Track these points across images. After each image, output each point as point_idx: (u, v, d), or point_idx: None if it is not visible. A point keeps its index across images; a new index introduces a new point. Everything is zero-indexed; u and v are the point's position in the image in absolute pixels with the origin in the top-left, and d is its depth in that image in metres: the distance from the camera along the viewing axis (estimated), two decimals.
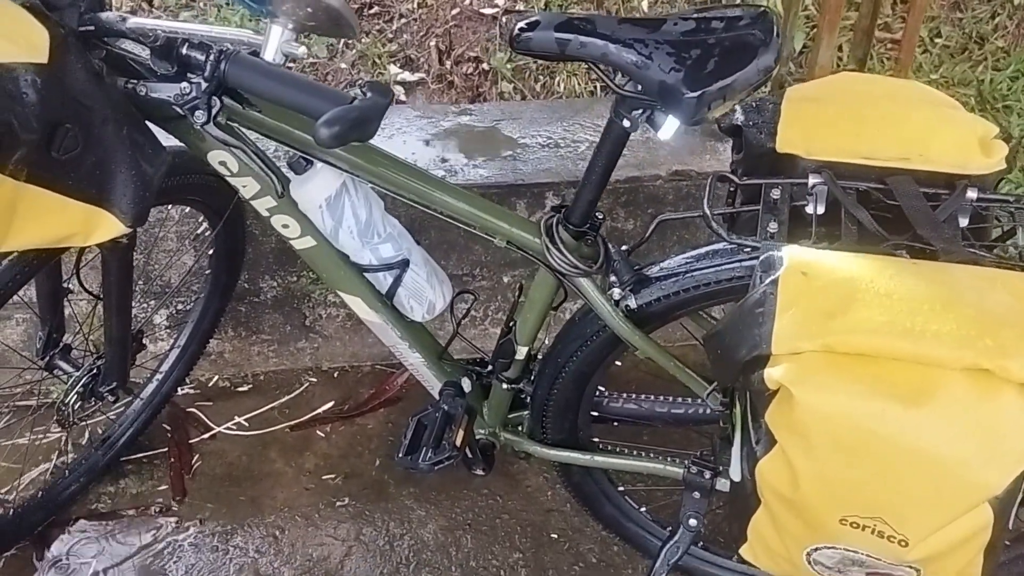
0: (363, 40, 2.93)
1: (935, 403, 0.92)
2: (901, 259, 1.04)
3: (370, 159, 1.21)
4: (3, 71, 0.90)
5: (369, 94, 0.96)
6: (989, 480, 0.93)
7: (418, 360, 1.42)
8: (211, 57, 0.96)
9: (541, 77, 2.90)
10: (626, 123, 1.10)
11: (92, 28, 1.01)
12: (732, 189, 1.28)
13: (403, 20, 3.01)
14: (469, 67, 2.92)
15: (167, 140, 1.22)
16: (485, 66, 2.91)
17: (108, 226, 1.10)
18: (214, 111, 0.97)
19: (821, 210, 1.15)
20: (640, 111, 1.09)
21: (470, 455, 1.44)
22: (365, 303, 1.35)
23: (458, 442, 1.29)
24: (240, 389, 2.08)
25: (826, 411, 0.93)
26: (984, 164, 1.13)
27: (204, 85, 0.97)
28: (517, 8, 3.02)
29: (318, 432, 1.98)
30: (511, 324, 1.38)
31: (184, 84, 0.98)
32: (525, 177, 2.01)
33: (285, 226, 1.28)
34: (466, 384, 1.47)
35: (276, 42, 0.88)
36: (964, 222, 1.14)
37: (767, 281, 1.01)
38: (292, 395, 2.06)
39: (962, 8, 2.93)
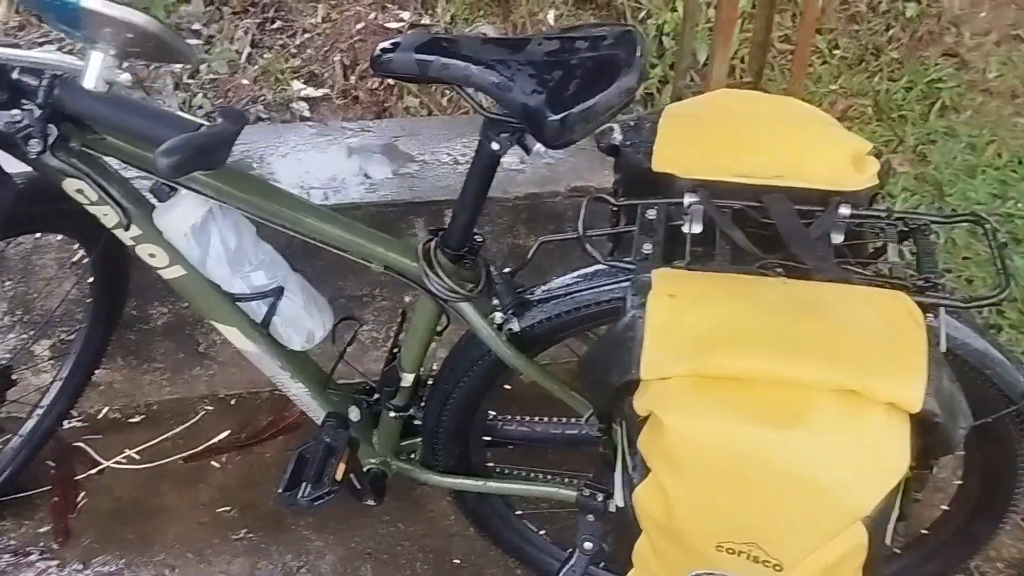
0: (265, 55, 2.87)
1: (804, 425, 0.91)
2: (772, 279, 1.04)
3: (237, 185, 1.16)
4: None
5: (219, 120, 0.91)
6: (859, 501, 0.92)
7: (301, 390, 1.37)
8: (43, 83, 0.90)
9: (447, 92, 2.87)
10: (495, 146, 1.08)
11: None
12: (615, 209, 1.26)
13: (306, 35, 2.95)
14: (374, 82, 2.88)
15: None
16: (391, 81, 2.87)
17: None
18: (50, 139, 0.91)
19: (698, 229, 1.14)
20: (508, 134, 1.07)
21: (359, 486, 1.39)
22: (241, 333, 1.29)
23: (339, 476, 1.24)
24: (132, 420, 2.00)
25: (696, 437, 0.92)
26: (856, 180, 1.14)
27: (37, 112, 0.91)
28: (422, 22, 2.99)
29: (213, 463, 1.91)
30: (395, 351, 1.34)
31: (15, 112, 0.92)
32: (423, 195, 1.98)
33: (152, 255, 1.22)
34: (354, 413, 1.42)
35: (96, 69, 0.83)
36: (838, 239, 1.14)
37: (636, 305, 0.99)
38: (186, 425, 1.98)
39: (858, 21, 3.00)
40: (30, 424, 1.78)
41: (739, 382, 0.93)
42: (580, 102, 0.98)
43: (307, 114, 2.82)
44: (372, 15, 2.99)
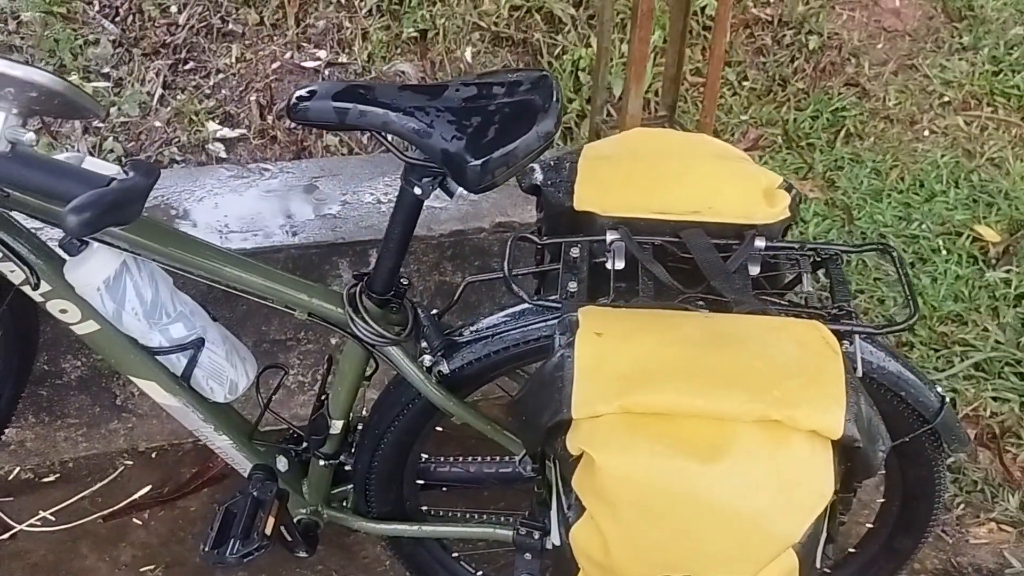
0: (179, 96, 2.82)
1: (730, 457, 0.93)
2: (694, 313, 1.06)
3: (152, 236, 1.13)
4: None
5: (131, 174, 0.89)
6: (787, 529, 0.94)
7: (226, 443, 1.34)
8: None
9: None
10: (417, 190, 1.08)
11: None
12: (539, 248, 1.28)
13: (220, 75, 2.91)
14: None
15: None
16: None
17: None
18: None
19: (620, 266, 1.16)
20: (430, 178, 1.07)
21: (289, 538, 1.36)
22: (160, 387, 1.25)
23: (268, 530, 1.21)
24: (46, 480, 1.91)
25: (627, 474, 0.93)
26: (769, 213, 1.17)
27: None
28: (340, 61, 2.99)
29: (135, 520, 1.84)
30: (323, 398, 1.32)
31: None
32: (346, 235, 1.96)
33: (63, 311, 1.18)
34: (282, 463, 1.39)
35: None
36: (755, 271, 1.17)
37: (564, 344, 1.00)
38: (105, 482, 1.90)
39: (764, 53, 3.11)
40: None
41: (666, 417, 0.94)
42: (500, 147, 0.99)
43: (224, 155, 2.78)
44: (288, 54, 2.97)
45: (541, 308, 1.15)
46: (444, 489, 1.47)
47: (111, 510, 1.84)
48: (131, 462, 1.95)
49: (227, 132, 2.80)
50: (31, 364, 1.72)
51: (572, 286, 1.12)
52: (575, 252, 1.17)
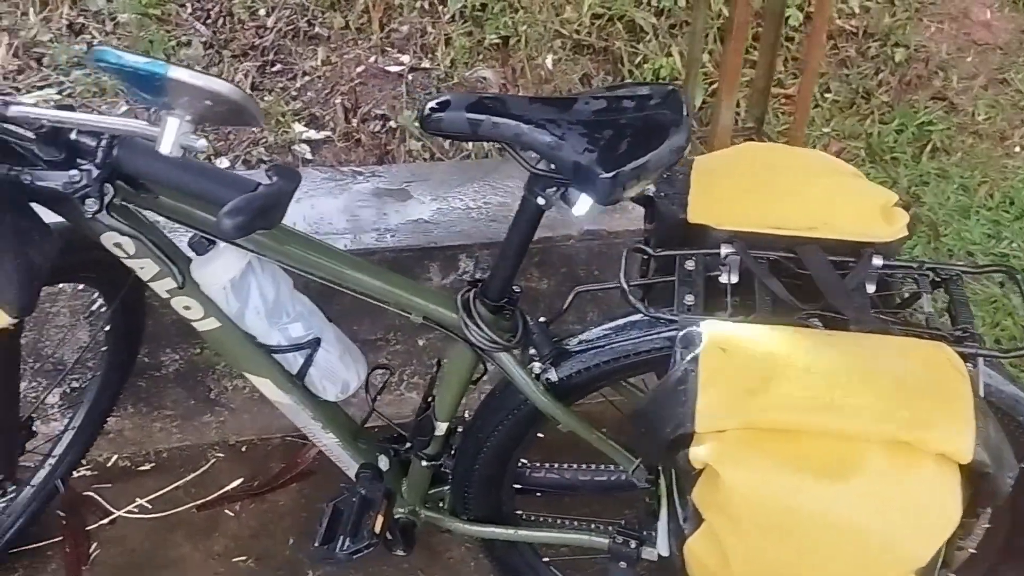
0: (266, 98, 2.88)
1: (857, 477, 0.92)
2: (816, 331, 1.06)
3: (276, 237, 1.17)
4: None
5: (275, 179, 0.92)
6: (914, 553, 0.94)
7: (332, 441, 1.37)
8: (103, 143, 0.90)
9: None
10: (540, 201, 1.09)
11: None
12: (645, 259, 1.28)
13: (307, 78, 2.96)
14: (376, 125, 2.90)
15: (56, 216, 1.14)
16: (392, 124, 2.89)
17: None
18: (107, 199, 0.91)
19: (735, 280, 1.17)
20: (554, 189, 1.08)
21: (389, 537, 1.38)
22: (274, 384, 1.29)
23: (377, 528, 1.24)
24: (142, 468, 1.97)
25: (752, 490, 0.93)
26: (887, 231, 1.17)
27: (95, 172, 0.91)
28: (422, 66, 3.02)
29: (227, 511, 1.88)
30: (429, 400, 1.34)
31: (74, 172, 0.92)
32: (437, 240, 1.99)
33: (187, 308, 1.22)
34: (383, 462, 1.42)
35: (173, 135, 0.83)
36: (871, 289, 1.17)
37: (687, 358, 1.00)
38: (198, 472, 1.96)
39: (848, 65, 3.07)
40: (42, 474, 1.75)
41: (792, 434, 0.94)
42: (632, 160, 1.00)
43: (309, 156, 2.83)
44: (372, 58, 3.02)
45: (655, 320, 1.16)
46: (539, 494, 1.49)
47: (204, 500, 1.89)
48: (222, 454, 2.00)
49: (312, 134, 2.85)
50: (135, 357, 1.78)
51: (689, 299, 1.12)
52: (691, 265, 1.17)
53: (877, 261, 1.15)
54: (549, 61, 3.06)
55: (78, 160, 0.94)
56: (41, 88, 2.84)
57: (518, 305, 1.24)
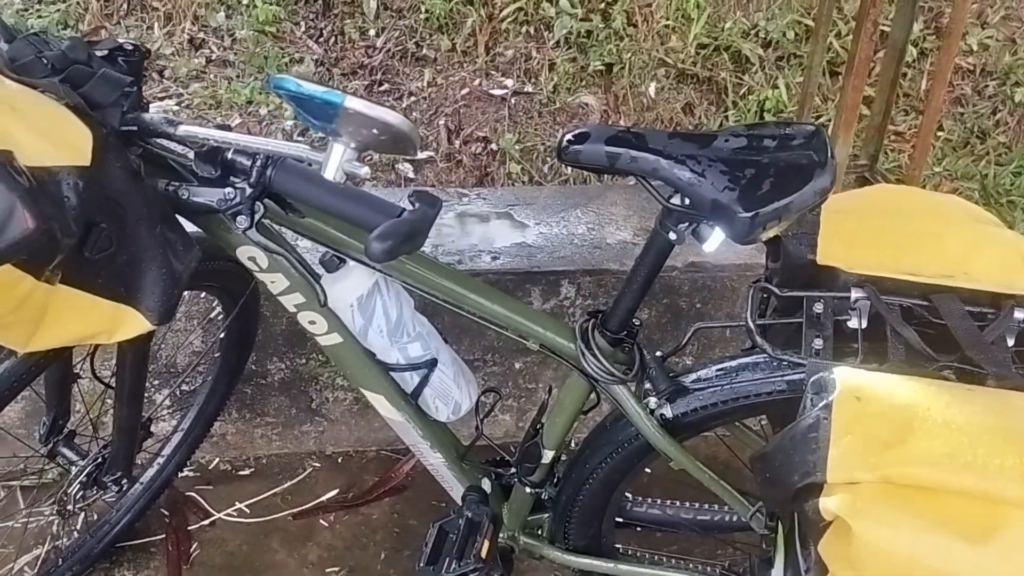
0: None
1: (1001, 541, 0.88)
2: (955, 384, 1.02)
3: (404, 258, 1.18)
4: (48, 176, 0.87)
5: (418, 205, 0.94)
6: None
7: (439, 461, 1.38)
8: (257, 163, 0.93)
9: (549, 159, 2.91)
10: (672, 235, 1.09)
11: (135, 128, 0.98)
12: (765, 297, 1.26)
13: (412, 98, 3.02)
14: (477, 147, 2.93)
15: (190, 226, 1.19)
16: (493, 146, 2.92)
17: (134, 323, 1.06)
18: (257, 216, 0.95)
19: (864, 325, 1.14)
20: (687, 224, 1.08)
21: (487, 560, 1.38)
22: (388, 401, 1.31)
23: (484, 553, 1.24)
24: (241, 473, 2.02)
25: (885, 546, 0.90)
26: None
27: (248, 191, 0.94)
28: (525, 90, 3.05)
29: (321, 521, 1.92)
30: (538, 427, 1.34)
31: (228, 189, 0.96)
32: (540, 264, 1.99)
33: (312, 322, 1.25)
34: (486, 485, 1.42)
35: (338, 161, 0.86)
36: (1011, 343, 1.12)
37: (820, 405, 0.98)
38: (295, 481, 2.00)
39: (963, 103, 2.98)
40: (151, 472, 1.81)
41: (930, 492, 0.91)
42: (774, 200, 0.99)
43: (411, 175, 2.88)
44: (476, 81, 3.06)
45: (778, 363, 1.14)
46: (639, 529, 1.47)
47: (300, 509, 1.92)
48: (318, 464, 2.04)
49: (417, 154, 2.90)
50: (245, 363, 1.84)
51: (818, 343, 1.10)
52: (819, 307, 1.15)
53: (1019, 315, 1.11)
54: (652, 89, 3.05)
55: (232, 178, 0.97)
56: (161, 99, 2.97)
57: (637, 338, 1.23)
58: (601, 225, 2.13)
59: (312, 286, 1.15)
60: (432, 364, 1.26)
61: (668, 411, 1.23)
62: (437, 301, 1.22)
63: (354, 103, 0.83)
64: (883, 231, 1.19)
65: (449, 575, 1.22)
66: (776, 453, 1.00)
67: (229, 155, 0.96)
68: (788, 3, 3.10)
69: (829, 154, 1.04)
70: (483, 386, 1.40)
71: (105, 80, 0.98)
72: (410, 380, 1.28)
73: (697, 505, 1.43)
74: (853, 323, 1.14)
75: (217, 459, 2.04)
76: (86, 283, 0.99)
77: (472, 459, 1.42)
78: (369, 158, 2.74)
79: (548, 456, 1.35)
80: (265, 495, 1.95)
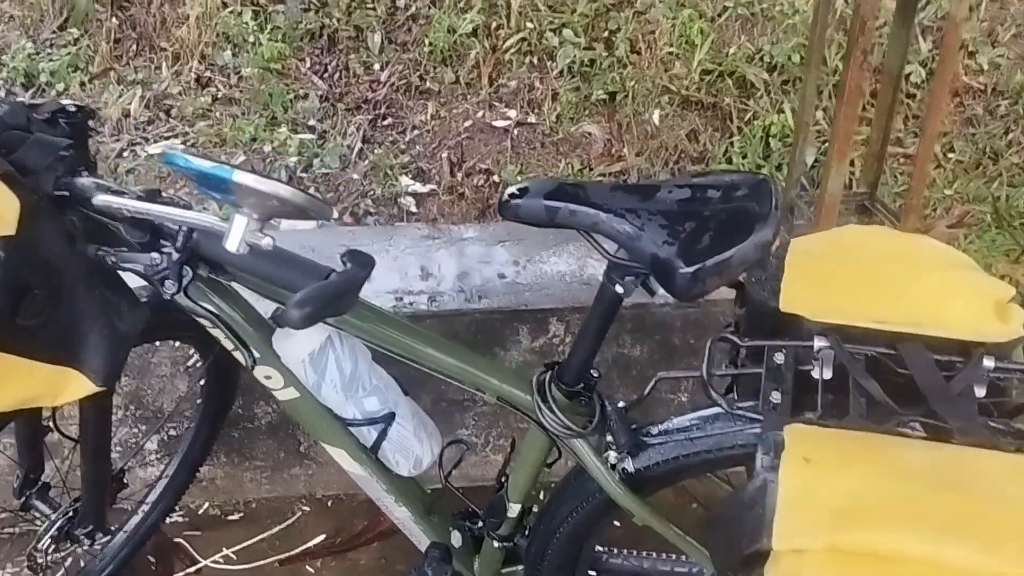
0: (376, 151, 2.95)
1: None
2: (915, 441, 0.97)
3: (356, 313, 1.17)
4: None
5: (349, 265, 0.92)
6: None
7: (404, 515, 1.35)
8: (183, 229, 0.92)
9: None
10: (619, 288, 1.05)
11: (67, 194, 0.98)
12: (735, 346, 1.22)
13: (416, 131, 3.02)
14: (480, 179, 2.92)
15: None
16: (496, 178, 2.90)
17: (78, 386, 1.05)
18: (185, 282, 0.93)
19: (828, 376, 1.09)
20: (633, 278, 1.04)
21: None
22: (350, 455, 1.28)
23: None
24: (231, 517, 2.01)
25: None
26: (1001, 331, 1.07)
27: (175, 256, 0.93)
28: (529, 120, 3.04)
29: (308, 567, 1.90)
30: (503, 480, 1.31)
31: (155, 255, 0.95)
32: (528, 302, 1.97)
33: (268, 377, 1.23)
34: (456, 538, 1.39)
35: (240, 233, 0.84)
36: (980, 393, 1.07)
37: (766, 466, 0.94)
38: (283, 525, 1.98)
39: (975, 123, 2.91)
40: (135, 520, 1.80)
41: (881, 560, 0.86)
42: (713, 255, 0.95)
43: (414, 209, 2.88)
44: (480, 113, 3.06)
45: (739, 417, 1.10)
46: None
47: (287, 555, 1.91)
48: (308, 508, 2.02)
49: (418, 187, 2.90)
50: (228, 409, 1.83)
51: (775, 396, 1.06)
52: (780, 358, 1.11)
53: (988, 363, 1.05)
54: (656, 117, 3.02)
55: (162, 242, 0.96)
56: (167, 138, 3.00)
57: (595, 390, 1.19)
58: (591, 261, 2.10)
59: (241, 349, 1.13)
60: (390, 418, 1.24)
61: (630, 465, 1.19)
62: (392, 355, 1.20)
63: (242, 177, 0.82)
64: (849, 276, 1.15)
65: None
66: (725, 516, 0.96)
67: (157, 221, 0.95)
68: (793, 27, 3.06)
69: (774, 205, 1.00)
70: (452, 436, 1.37)
71: (39, 144, 0.98)
72: (368, 435, 1.25)
73: (673, 556, 1.39)
74: (817, 373, 1.10)
75: (207, 503, 2.03)
76: (21, 349, 0.98)
77: (441, 512, 1.39)
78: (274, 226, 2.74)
79: (514, 510, 1.31)
80: (253, 540, 1.94)
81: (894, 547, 0.86)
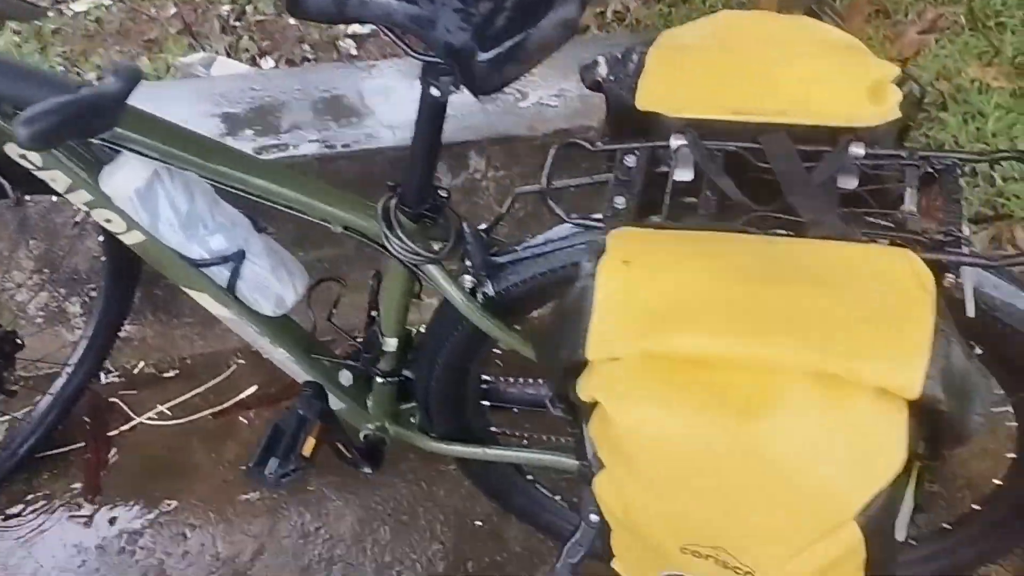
0: None
1: (776, 415, 0.77)
2: (756, 238, 0.88)
3: (179, 143, 1.08)
4: None
5: (111, 79, 0.82)
6: (843, 500, 0.78)
7: (284, 356, 1.30)
8: None
9: None
10: (435, 91, 0.95)
11: None
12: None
13: None
14: None
15: None
16: None
17: None
18: None
19: (688, 177, 1.00)
20: (449, 76, 0.93)
21: (349, 455, 1.33)
22: (213, 299, 1.23)
23: (307, 452, 1.17)
24: (166, 375, 2.00)
25: (646, 428, 0.79)
26: (872, 113, 0.96)
27: None
28: None
29: (241, 418, 1.89)
30: (373, 314, 1.25)
31: None
32: (444, 136, 1.86)
33: (108, 221, 1.16)
34: (345, 377, 1.35)
35: None
36: (852, 185, 0.97)
37: (589, 272, 0.86)
38: (218, 379, 1.96)
39: None
40: (60, 382, 1.79)
41: (698, 364, 0.79)
42: (509, 38, 0.84)
43: (354, 52, 2.73)
44: None
45: (588, 227, 1.01)
46: (515, 411, 1.38)
47: (220, 408, 1.90)
48: (243, 361, 2.00)
49: (359, 28, 2.74)
50: (138, 264, 1.76)
51: (619, 202, 0.97)
52: (631, 161, 1.01)
53: (857, 150, 0.95)
54: None
55: None
56: None
57: (444, 211, 1.11)
58: (518, 87, 1.97)
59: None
60: (240, 256, 1.17)
61: (490, 289, 1.12)
62: (225, 188, 1.12)
63: None
64: (714, 67, 1.03)
65: (271, 476, 1.16)
66: (547, 329, 0.89)
67: None
68: None
69: None
70: (321, 275, 1.30)
71: None
72: (220, 275, 1.19)
73: None
74: (679, 175, 1.00)
75: (142, 363, 2.01)
76: None
77: (324, 352, 1.34)
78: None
79: (391, 344, 1.26)
80: (187, 396, 1.93)
81: (710, 349, 0.79)
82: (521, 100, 1.94)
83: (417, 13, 0.85)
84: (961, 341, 0.80)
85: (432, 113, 0.99)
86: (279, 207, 1.12)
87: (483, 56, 0.84)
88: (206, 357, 2.02)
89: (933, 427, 0.80)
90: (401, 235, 1.08)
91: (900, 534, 0.91)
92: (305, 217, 1.13)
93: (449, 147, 1.85)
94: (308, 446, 1.17)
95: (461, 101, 1.90)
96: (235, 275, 1.18)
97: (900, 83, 0.98)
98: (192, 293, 1.24)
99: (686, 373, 0.79)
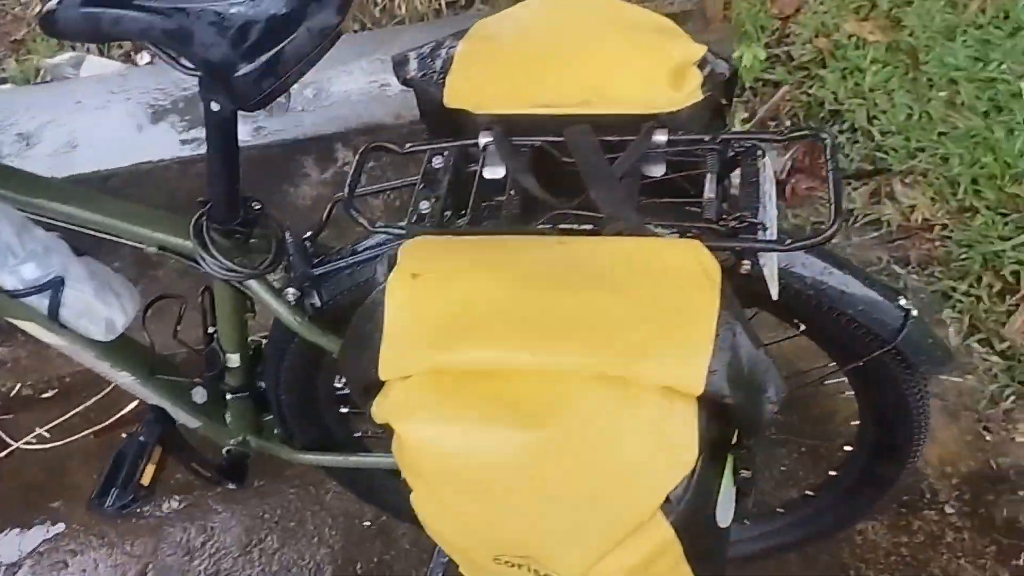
0: None
1: (561, 422, 0.75)
2: (550, 240, 0.86)
3: None
4: None
5: None
6: (644, 497, 0.77)
7: (128, 379, 1.26)
8: None
9: (380, 0, 2.65)
10: (214, 105, 0.90)
11: None
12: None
13: None
14: None
15: None
16: None
17: None
18: None
19: (499, 175, 0.97)
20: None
21: (207, 475, 1.30)
22: (41, 327, 1.18)
23: (145, 481, 1.14)
24: (44, 396, 1.94)
25: (434, 446, 0.78)
26: (670, 99, 0.94)
27: None
28: None
29: (123, 435, 1.83)
30: (211, 331, 1.21)
31: None
32: (308, 131, 1.82)
33: None
34: (199, 395, 1.31)
35: None
36: (659, 173, 0.96)
37: (380, 288, 0.83)
38: (98, 397, 1.91)
39: None
40: None
41: (487, 377, 0.77)
42: (264, 52, 0.80)
43: None
44: None
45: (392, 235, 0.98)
46: None
47: (100, 427, 1.85)
48: None
49: None
50: None
51: (424, 206, 0.94)
52: (438, 162, 0.98)
53: (660, 137, 0.93)
54: None
55: None
56: None
57: (262, 222, 1.07)
58: (384, 74, 1.92)
59: None
60: (59, 283, 1.12)
61: (316, 299, 1.09)
62: (29, 216, 1.06)
63: None
64: (521, 58, 1.01)
65: (111, 508, 1.13)
66: (344, 347, 0.87)
67: None
68: None
69: None
70: (160, 292, 1.25)
71: None
72: (39, 304, 1.14)
73: None
74: (489, 174, 0.98)
75: (19, 385, 1.95)
76: None
77: (171, 371, 1.30)
78: None
79: (234, 360, 1.22)
80: (66, 416, 1.88)
81: (496, 360, 0.77)
82: (389, 89, 1.90)
83: (174, 28, 0.80)
84: (750, 331, 0.79)
85: (220, 127, 0.94)
86: (87, 232, 1.07)
87: (242, 69, 0.80)
88: (85, 374, 1.94)
89: (725, 419, 0.79)
90: (215, 252, 1.04)
91: (724, 521, 0.91)
92: (120, 240, 1.08)
93: (316, 141, 1.82)
94: (147, 474, 1.14)
95: (329, 92, 1.86)
96: (55, 303, 1.13)
97: (702, 64, 0.97)
98: (18, 323, 1.18)
99: (474, 386, 0.77)
